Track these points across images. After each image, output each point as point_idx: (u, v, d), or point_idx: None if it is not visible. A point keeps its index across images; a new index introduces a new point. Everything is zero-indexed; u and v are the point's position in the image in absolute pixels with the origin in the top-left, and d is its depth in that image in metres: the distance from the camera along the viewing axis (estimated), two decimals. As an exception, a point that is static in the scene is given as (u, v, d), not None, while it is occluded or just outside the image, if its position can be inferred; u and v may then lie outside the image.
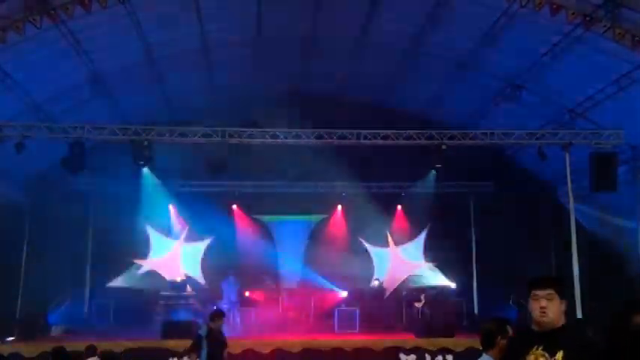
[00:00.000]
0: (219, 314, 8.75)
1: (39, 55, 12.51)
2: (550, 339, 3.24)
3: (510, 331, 4.36)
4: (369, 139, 13.59)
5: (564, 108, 14.80)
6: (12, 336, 13.50)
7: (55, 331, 15.00)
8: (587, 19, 11.14)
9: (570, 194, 13.16)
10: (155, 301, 16.59)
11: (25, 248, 16.23)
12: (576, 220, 13.37)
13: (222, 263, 17.70)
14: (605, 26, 10.97)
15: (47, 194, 15.64)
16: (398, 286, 18.47)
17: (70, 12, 10.94)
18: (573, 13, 11.05)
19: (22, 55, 12.16)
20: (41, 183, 15.86)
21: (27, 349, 11.67)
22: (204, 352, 8.11)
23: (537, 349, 3.20)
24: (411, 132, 13.61)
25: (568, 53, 12.80)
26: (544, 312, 3.29)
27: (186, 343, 11.82)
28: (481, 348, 4.42)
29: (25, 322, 14.53)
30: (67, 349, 8.23)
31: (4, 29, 10.75)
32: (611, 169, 12.84)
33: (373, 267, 18.78)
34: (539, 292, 3.35)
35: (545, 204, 17.44)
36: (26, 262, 16.10)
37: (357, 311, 15.54)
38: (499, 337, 4.28)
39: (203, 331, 8.35)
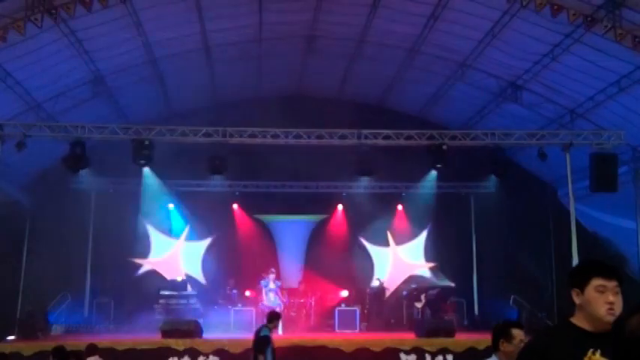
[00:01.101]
0: (276, 316, 9.03)
1: (40, 55, 12.52)
2: (608, 342, 2.37)
3: (517, 334, 4.13)
4: (370, 139, 13.58)
5: (565, 108, 14.81)
6: (12, 335, 13.50)
7: (56, 330, 15.00)
8: (588, 19, 11.14)
9: (571, 194, 13.16)
10: (155, 301, 16.57)
11: (25, 247, 16.24)
12: (576, 221, 13.37)
13: (223, 263, 17.71)
14: (605, 27, 10.96)
15: (48, 193, 15.65)
16: (398, 286, 18.46)
17: (71, 11, 10.93)
18: (574, 14, 11.05)
19: (23, 55, 12.17)
20: (42, 182, 15.88)
21: (27, 348, 11.66)
22: (269, 351, 8.39)
23: (594, 353, 2.55)
24: (412, 132, 13.62)
25: (569, 54, 12.81)
26: (612, 309, 2.60)
27: (187, 342, 11.94)
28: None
29: (25, 321, 14.52)
30: (68, 348, 8.22)
31: (5, 28, 10.75)
32: (612, 169, 12.85)
33: (374, 267, 18.77)
34: (607, 284, 2.65)
35: (546, 204, 17.45)
36: (27, 261, 16.11)
37: (358, 311, 15.55)
38: (502, 341, 4.12)
39: (267, 332, 8.58)
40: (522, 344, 4.05)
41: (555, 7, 11.03)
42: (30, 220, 16.32)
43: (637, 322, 1.49)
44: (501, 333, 4.14)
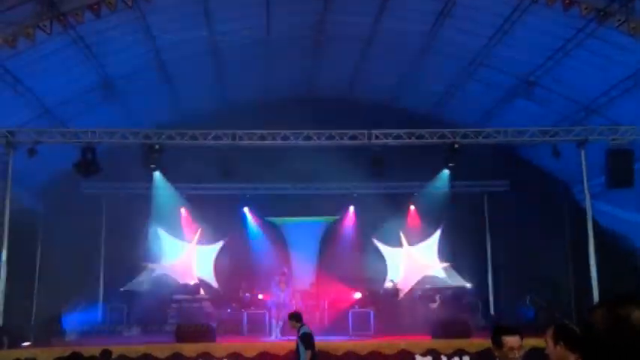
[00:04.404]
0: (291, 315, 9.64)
1: (49, 61, 12.64)
2: None
3: (507, 342, 3.87)
4: (381, 139, 13.57)
5: (579, 104, 14.70)
6: (27, 341, 13.62)
7: (70, 335, 15.12)
8: (601, 13, 11.07)
9: (587, 192, 13.08)
10: (168, 305, 16.68)
11: (38, 253, 16.41)
12: (593, 218, 13.27)
13: (235, 266, 17.77)
14: (619, 20, 10.89)
15: (60, 199, 15.78)
16: (412, 286, 18.41)
17: (79, 17, 11.04)
18: (586, 8, 10.99)
19: (32, 61, 12.30)
20: (53, 188, 16.02)
21: (43, 354, 11.76)
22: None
23: None
24: (423, 131, 13.58)
25: (582, 48, 12.72)
26: None
27: (200, 346, 12.00)
28: None
29: (39, 327, 14.66)
30: (83, 354, 8.28)
31: (15, 35, 10.88)
32: (628, 165, 12.75)
33: (387, 268, 18.74)
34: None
35: (561, 202, 17.33)
36: (40, 266, 16.28)
37: (372, 313, 15.52)
38: (494, 347, 3.91)
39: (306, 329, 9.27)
40: (514, 352, 3.84)
41: (567, 1, 10.98)
42: (42, 226, 16.48)
43: (600, 317, 1.52)
44: (492, 340, 3.95)
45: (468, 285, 18.09)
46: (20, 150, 12.67)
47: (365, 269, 17.84)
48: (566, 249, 17.11)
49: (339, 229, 19.02)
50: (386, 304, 16.95)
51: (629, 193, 13.46)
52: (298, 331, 9.14)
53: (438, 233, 18.91)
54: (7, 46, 10.89)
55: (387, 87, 17.60)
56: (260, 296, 16.91)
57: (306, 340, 8.88)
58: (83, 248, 16.13)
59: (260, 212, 18.79)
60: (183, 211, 18.50)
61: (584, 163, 12.96)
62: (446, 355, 11.98)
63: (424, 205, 18.30)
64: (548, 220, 16.98)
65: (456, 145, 13.32)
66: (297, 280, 18.29)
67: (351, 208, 18.90)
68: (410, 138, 13.57)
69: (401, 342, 12.52)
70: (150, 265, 18.13)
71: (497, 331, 3.96)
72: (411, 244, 19.03)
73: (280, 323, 14.29)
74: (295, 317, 9.39)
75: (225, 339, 13.46)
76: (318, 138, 13.50)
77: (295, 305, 16.24)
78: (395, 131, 13.61)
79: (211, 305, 16.75)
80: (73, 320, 15.86)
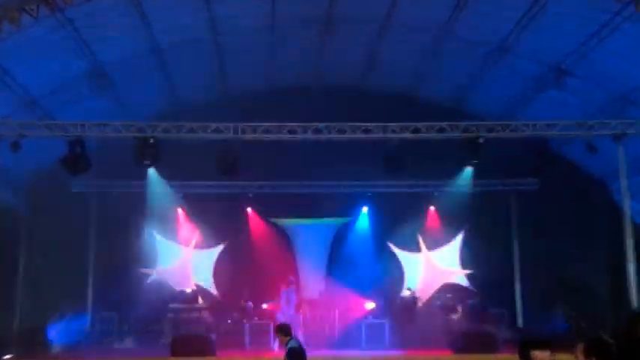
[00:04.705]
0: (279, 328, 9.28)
1: (35, 47, 12.71)
2: None
3: (537, 356, 3.93)
4: (398, 133, 13.59)
5: (615, 94, 14.65)
6: (9, 353, 13.75)
7: (56, 347, 15.25)
8: (640, -5, 11.03)
9: (625, 190, 13.05)
10: (164, 314, 16.78)
11: (22, 258, 16.55)
12: (631, 219, 13.25)
13: (236, 272, 17.85)
14: (659, 3, 10.85)
15: (45, 198, 15.90)
16: (432, 295, 18.45)
17: (68, -1, 11.12)
18: (623, -11, 10.96)
19: (17, 48, 12.37)
20: (39, 186, 16.14)
21: (26, 367, 11.91)
22: None
23: None
24: (444, 124, 13.59)
25: (619, 34, 12.64)
26: None
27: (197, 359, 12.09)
28: None
29: (23, 338, 14.80)
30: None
31: (-1, 20, 10.98)
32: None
33: (404, 275, 18.78)
34: None
35: (597, 201, 17.28)
36: (24, 272, 16.41)
37: (387, 324, 15.56)
38: None
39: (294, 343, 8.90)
40: None
41: (602, -19, 10.95)
42: (26, 228, 16.62)
43: None
44: (520, 354, 4.01)
45: (493, 294, 18.08)
46: (3, 144, 12.77)
47: (379, 276, 17.89)
48: (602, 254, 17.06)
49: (351, 232, 19.08)
50: (402, 315, 17.00)
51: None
52: (286, 345, 8.98)
53: (460, 237, 18.92)
54: (-11, 31, 11.00)
55: (405, 75, 17.59)
56: (264, 305, 17.01)
57: (294, 356, 8.73)
58: (70, 252, 16.26)
59: (264, 213, 18.86)
60: (180, 211, 18.60)
61: (621, 159, 12.94)
62: (469, 370, 12.03)
63: (445, 206, 18.32)
64: (583, 222, 16.94)
65: (481, 140, 13.32)
66: (305, 288, 18.38)
67: (365, 209, 18.95)
68: (429, 131, 13.58)
69: (419, 356, 12.57)
70: (143, 271, 18.24)
71: (526, 345, 4.00)
72: (430, 248, 19.06)
73: None
74: (283, 330, 9.18)
75: (225, 352, 13.55)
76: (329, 131, 13.53)
77: (302, 316, 16.38)
78: (413, 124, 13.62)
79: (210, 315, 16.84)
80: (59, 331, 16.00)
